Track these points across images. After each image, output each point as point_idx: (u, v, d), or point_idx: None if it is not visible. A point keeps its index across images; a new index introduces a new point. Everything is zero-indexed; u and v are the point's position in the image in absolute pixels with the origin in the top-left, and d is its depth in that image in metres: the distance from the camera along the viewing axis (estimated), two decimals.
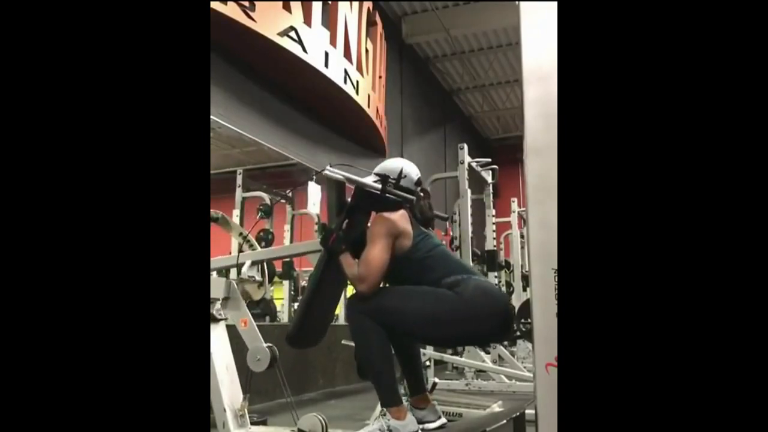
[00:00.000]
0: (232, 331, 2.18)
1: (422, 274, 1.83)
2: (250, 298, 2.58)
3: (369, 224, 1.91)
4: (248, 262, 2.20)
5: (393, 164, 2.04)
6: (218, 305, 2.09)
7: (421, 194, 2.00)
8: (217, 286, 2.11)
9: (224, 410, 1.94)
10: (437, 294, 1.78)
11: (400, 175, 1.95)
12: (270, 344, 2.08)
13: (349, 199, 2.01)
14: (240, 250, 2.31)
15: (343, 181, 1.94)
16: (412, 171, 2.02)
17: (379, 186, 1.89)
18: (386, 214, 1.86)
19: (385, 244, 1.81)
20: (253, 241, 2.56)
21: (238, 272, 2.26)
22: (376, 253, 1.80)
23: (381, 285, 1.85)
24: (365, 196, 1.94)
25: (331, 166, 1.94)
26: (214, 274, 2.29)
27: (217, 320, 2.08)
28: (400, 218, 1.86)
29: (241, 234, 2.53)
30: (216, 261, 2.26)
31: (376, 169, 2.01)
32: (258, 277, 2.30)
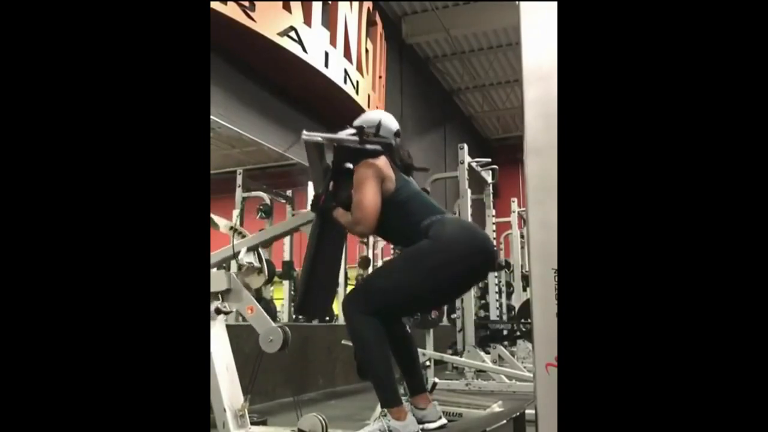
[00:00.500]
0: (232, 331, 2.18)
1: (404, 218, 1.87)
2: (251, 288, 2.58)
3: (354, 174, 1.93)
4: (244, 249, 2.21)
5: (370, 116, 2.09)
6: (221, 299, 2.09)
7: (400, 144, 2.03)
8: (218, 280, 2.11)
9: (224, 410, 1.94)
10: (413, 253, 1.81)
11: (379, 125, 1.99)
12: (281, 324, 2.07)
13: (331, 162, 2.03)
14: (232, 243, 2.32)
15: (321, 142, 1.97)
16: (391, 122, 2.06)
17: (357, 138, 1.92)
18: (370, 160, 1.90)
19: (374, 185, 1.85)
20: (244, 231, 2.57)
21: (238, 264, 2.27)
22: (368, 194, 1.83)
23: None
24: (346, 152, 1.97)
25: (306, 132, 1.96)
26: (213, 269, 2.28)
27: (223, 313, 2.08)
28: (383, 164, 1.90)
29: (231, 228, 2.55)
30: (213, 255, 2.26)
31: (355, 123, 2.04)
32: (256, 264, 2.31)
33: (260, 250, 2.35)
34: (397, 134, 2.04)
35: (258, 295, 4.00)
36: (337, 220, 1.92)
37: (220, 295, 2.11)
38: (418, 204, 1.92)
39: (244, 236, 2.43)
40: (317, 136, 1.97)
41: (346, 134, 1.98)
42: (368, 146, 1.91)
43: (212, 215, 2.59)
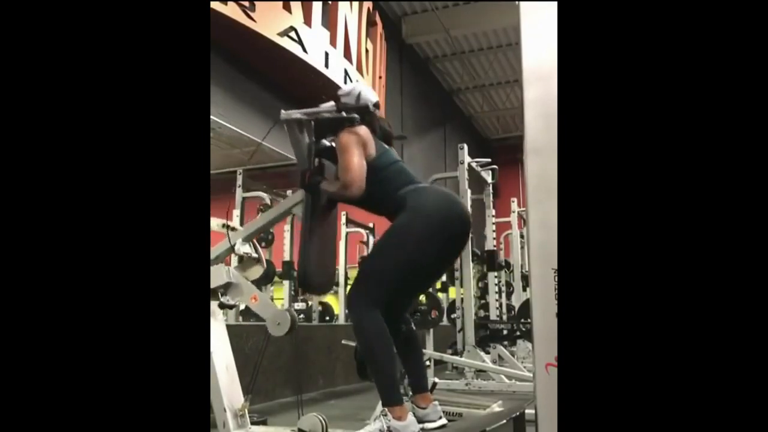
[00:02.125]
0: (232, 330, 2.18)
1: (383, 185, 1.91)
2: (251, 280, 2.58)
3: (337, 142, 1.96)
4: (239, 241, 2.22)
5: (349, 87, 2.13)
6: (222, 293, 2.09)
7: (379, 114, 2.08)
8: (216, 275, 2.11)
9: (224, 410, 1.94)
10: (397, 228, 1.86)
11: (358, 96, 2.03)
12: (288, 308, 2.08)
13: (313, 138, 2.06)
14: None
15: (301, 119, 1.99)
16: (370, 94, 2.10)
17: (335, 107, 1.98)
18: (351, 128, 1.93)
19: (357, 150, 1.89)
20: (235, 225, 2.60)
21: (236, 254, 2.27)
22: (352, 158, 1.87)
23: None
24: (326, 126, 2.01)
25: (284, 111, 1.99)
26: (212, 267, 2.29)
27: (227, 307, 2.08)
28: (364, 131, 1.94)
29: (223, 225, 2.55)
30: (211, 251, 2.26)
31: (336, 93, 2.09)
32: (253, 254, 2.31)
33: (260, 250, 2.35)
34: (376, 105, 2.08)
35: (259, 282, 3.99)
36: (326, 190, 1.95)
37: (221, 291, 2.10)
38: (396, 172, 1.96)
39: (235, 230, 2.44)
40: (296, 113, 2.00)
41: (325, 107, 2.02)
42: (347, 114, 1.95)
43: None
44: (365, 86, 2.16)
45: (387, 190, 1.91)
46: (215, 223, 2.64)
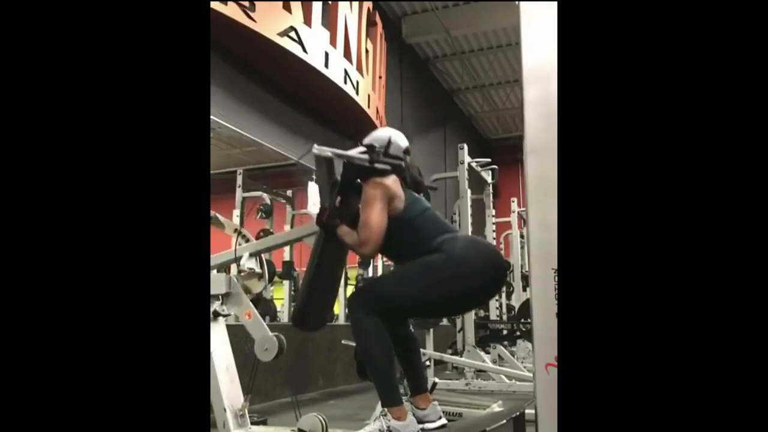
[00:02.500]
0: (232, 330, 2.18)
1: (415, 235, 1.87)
2: (250, 292, 2.57)
3: (362, 191, 1.92)
4: (246, 254, 2.21)
5: (380, 134, 2.07)
6: (220, 301, 2.09)
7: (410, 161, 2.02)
8: (217, 282, 2.11)
9: (224, 410, 1.94)
10: (426, 262, 1.80)
11: (389, 143, 1.98)
12: (277, 333, 2.08)
13: (339, 177, 2.02)
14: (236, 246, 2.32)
15: (331, 157, 1.96)
16: (400, 139, 2.05)
17: (367, 157, 1.91)
18: (378, 179, 1.89)
19: (381, 206, 1.84)
20: (249, 235, 2.57)
21: (238, 267, 2.27)
22: (374, 215, 1.82)
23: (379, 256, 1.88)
24: (355, 169, 1.96)
25: (317, 145, 1.96)
26: (213, 272, 2.29)
27: (220, 316, 2.08)
28: (392, 182, 1.90)
29: (235, 230, 2.54)
30: (214, 257, 2.26)
31: (365, 140, 2.03)
32: (257, 269, 2.31)
33: (265, 266, 2.35)
34: (406, 151, 2.03)
35: (258, 295, 4.01)
36: (342, 239, 1.90)
37: (219, 298, 2.11)
38: (429, 222, 1.90)
39: (247, 240, 2.43)
40: (328, 151, 1.96)
41: (357, 152, 1.96)
42: (378, 165, 1.90)
43: (219, 216, 2.60)
44: (396, 132, 2.08)
45: (420, 239, 1.85)
46: (229, 225, 2.64)
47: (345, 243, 1.90)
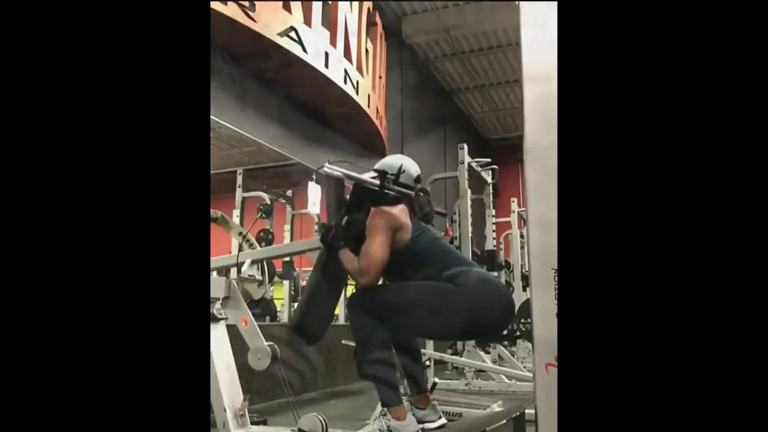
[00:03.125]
0: (232, 330, 2.18)
1: (422, 267, 1.84)
2: (250, 297, 2.57)
3: (368, 219, 1.91)
4: (248, 261, 2.21)
5: (392, 160, 2.05)
6: (218, 305, 2.10)
7: (421, 192, 2.00)
8: (217, 286, 2.11)
9: (224, 410, 1.94)
10: (437, 287, 1.78)
11: (400, 170, 1.97)
12: (271, 343, 2.08)
13: (348, 196, 2.01)
14: (240, 250, 2.32)
15: (341, 177, 1.95)
16: (412, 167, 2.03)
17: (378, 182, 1.89)
18: (385, 208, 1.87)
19: (385, 236, 1.82)
20: (253, 240, 2.57)
21: (239, 271, 2.27)
22: (376, 245, 1.80)
23: (380, 281, 1.86)
24: (364, 192, 1.95)
25: (329, 163, 1.95)
26: (214, 274, 2.29)
27: (217, 320, 2.09)
28: (400, 212, 1.88)
29: (240, 233, 2.54)
30: (216, 260, 2.26)
31: (376, 166, 2.02)
32: (258, 276, 2.31)
33: (266, 273, 2.36)
34: (417, 179, 2.02)
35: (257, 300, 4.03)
36: (342, 263, 1.88)
37: (218, 301, 2.11)
38: (439, 252, 1.88)
39: (251, 244, 2.43)
40: (339, 171, 1.95)
41: (368, 176, 1.96)
42: (388, 192, 1.90)
43: (227, 217, 2.60)
44: (408, 160, 2.07)
45: (429, 270, 1.82)
46: (236, 230, 2.65)
47: (345, 269, 1.89)
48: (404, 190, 1.93)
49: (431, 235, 1.94)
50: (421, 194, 2.00)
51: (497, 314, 1.83)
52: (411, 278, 1.85)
